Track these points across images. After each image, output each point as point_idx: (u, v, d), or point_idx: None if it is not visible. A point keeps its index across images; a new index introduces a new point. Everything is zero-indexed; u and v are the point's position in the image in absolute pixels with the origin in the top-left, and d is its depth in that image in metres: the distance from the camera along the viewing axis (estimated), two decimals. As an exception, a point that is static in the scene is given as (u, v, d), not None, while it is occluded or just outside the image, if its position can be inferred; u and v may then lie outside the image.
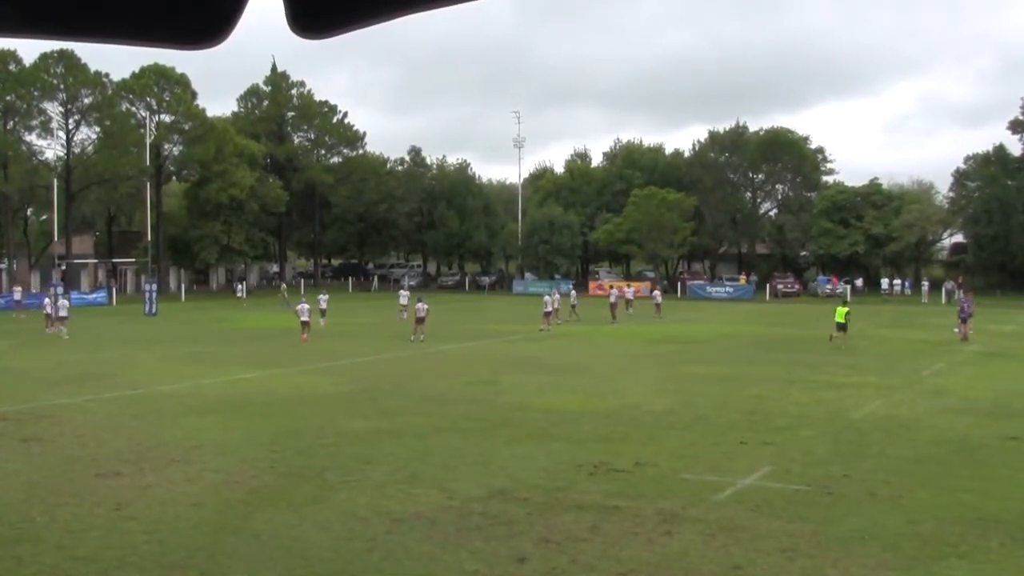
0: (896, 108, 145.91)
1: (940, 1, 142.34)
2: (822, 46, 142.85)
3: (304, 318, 30.40)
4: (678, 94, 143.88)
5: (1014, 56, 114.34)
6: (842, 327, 28.81)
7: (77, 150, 62.38)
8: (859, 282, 66.77)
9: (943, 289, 58.00)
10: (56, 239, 56.90)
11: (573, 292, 44.85)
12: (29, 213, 68.68)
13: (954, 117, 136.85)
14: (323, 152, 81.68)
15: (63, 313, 33.93)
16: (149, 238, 57.35)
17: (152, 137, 61.05)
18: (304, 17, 1.68)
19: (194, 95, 66.24)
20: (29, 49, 62.30)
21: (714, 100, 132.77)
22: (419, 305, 32.21)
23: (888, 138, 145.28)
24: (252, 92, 78.51)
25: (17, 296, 46.70)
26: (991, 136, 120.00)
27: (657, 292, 48.08)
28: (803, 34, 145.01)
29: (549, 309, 36.15)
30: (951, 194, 68.50)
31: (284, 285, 60.07)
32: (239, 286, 60.07)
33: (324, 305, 38.32)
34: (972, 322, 30.36)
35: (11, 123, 58.96)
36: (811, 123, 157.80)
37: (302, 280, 76.99)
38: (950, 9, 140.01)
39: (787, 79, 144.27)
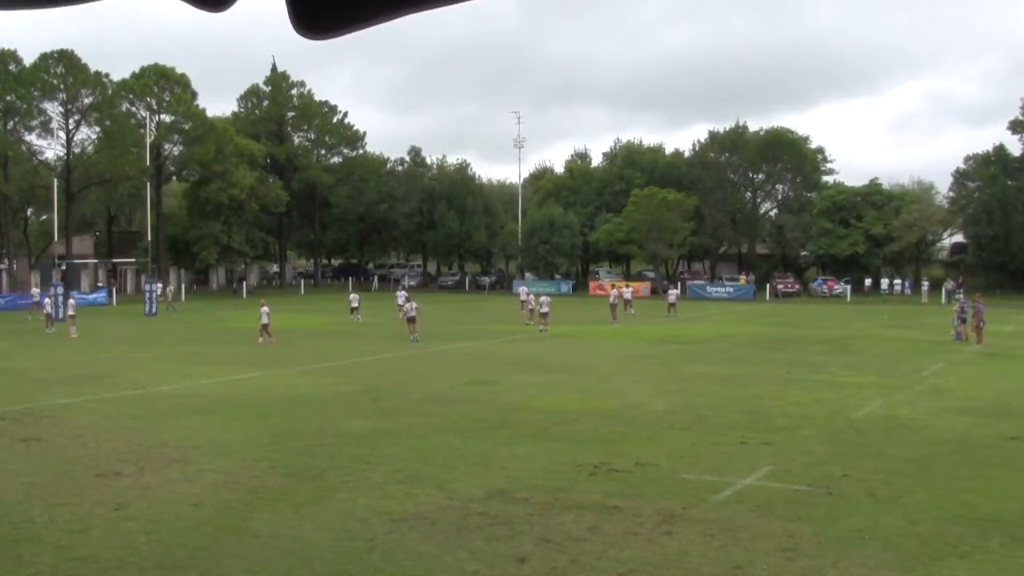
0: (901, 107, 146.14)
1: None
2: (827, 45, 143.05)
3: (264, 320, 30.22)
4: (682, 93, 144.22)
5: (1023, 55, 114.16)
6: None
7: (77, 150, 62.34)
8: (868, 282, 66.83)
9: (943, 289, 58.00)
10: (56, 239, 56.91)
11: (546, 298, 37.70)
12: (29, 213, 68.69)
13: (960, 116, 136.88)
14: (323, 152, 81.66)
15: (71, 312, 34.81)
16: (149, 238, 57.37)
17: (152, 137, 61.06)
18: (307, 17, 1.67)
19: (194, 95, 66.24)
20: (29, 49, 62.39)
21: (718, 99, 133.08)
22: (409, 304, 32.34)
23: (892, 137, 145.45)
24: (252, 92, 78.50)
25: (36, 297, 46.69)
26: (998, 136, 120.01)
27: (673, 292, 48.01)
28: (808, 32, 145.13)
29: (546, 310, 36.01)
30: (951, 194, 68.52)
31: (170, 287, 52.43)
32: (155, 287, 50.29)
33: (356, 304, 40.61)
34: (985, 328, 30.27)
35: (11, 123, 58.90)
36: (815, 122, 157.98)
37: (302, 280, 77.04)
38: (959, 7, 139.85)
39: (792, 78, 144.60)
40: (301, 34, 1.69)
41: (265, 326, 30.16)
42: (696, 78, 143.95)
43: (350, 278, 77.63)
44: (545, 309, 36.03)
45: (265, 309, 30.63)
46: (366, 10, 1.67)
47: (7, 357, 26.63)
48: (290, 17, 1.67)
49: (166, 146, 66.57)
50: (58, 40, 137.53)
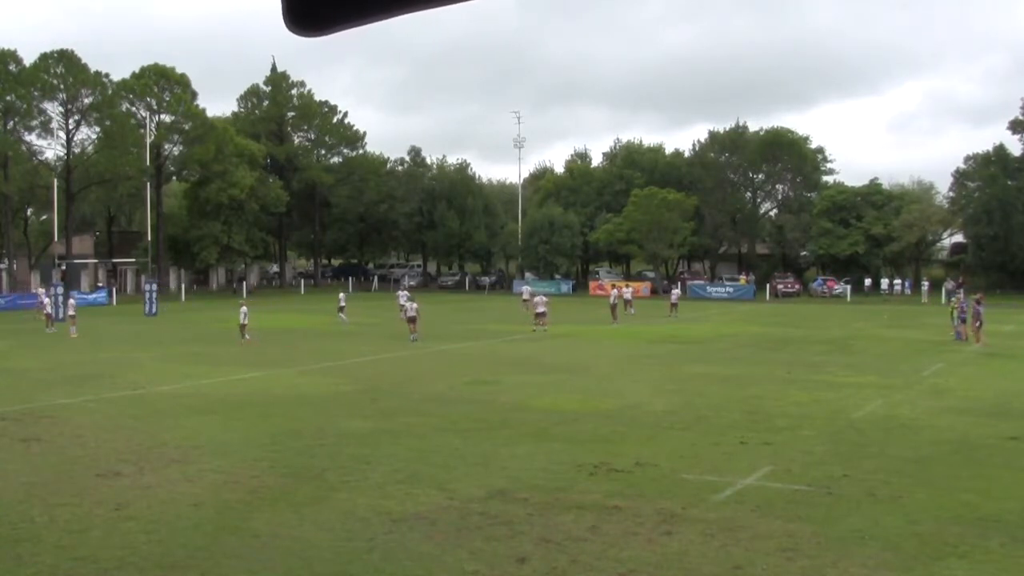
0: (901, 107, 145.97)
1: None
2: (827, 45, 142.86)
3: (243, 321, 30.23)
4: (682, 93, 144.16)
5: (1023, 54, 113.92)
6: None
7: (77, 150, 62.35)
8: (868, 282, 66.91)
9: (943, 289, 58.00)
10: (56, 239, 56.91)
11: (542, 298, 37.84)
12: (29, 213, 68.68)
13: (961, 116, 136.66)
14: (323, 152, 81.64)
15: (71, 312, 34.83)
16: (149, 238, 57.37)
17: (152, 137, 61.08)
18: (300, 14, 1.66)
19: (194, 95, 66.26)
20: (29, 49, 62.41)
21: (718, 99, 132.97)
22: (410, 304, 32.46)
23: (893, 137, 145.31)
24: (252, 92, 78.49)
25: (42, 296, 46.48)
26: (998, 136, 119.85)
27: (675, 292, 48.06)
28: (808, 32, 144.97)
29: (541, 309, 35.95)
30: (951, 194, 68.52)
31: (151, 286, 49.15)
32: (154, 287, 47.60)
33: (343, 303, 40.53)
34: (984, 328, 30.09)
35: (11, 123, 58.91)
36: (815, 122, 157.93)
37: (303, 280, 77.02)
38: (959, 7, 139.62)
39: (792, 78, 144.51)
40: (293, 31, 1.67)
41: (244, 326, 30.16)
42: (696, 78, 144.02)
43: (350, 278, 77.67)
44: (541, 309, 35.92)
45: (244, 309, 30.73)
46: (360, 8, 1.66)
47: (7, 357, 26.62)
48: (283, 13, 1.66)
49: (166, 146, 66.57)
50: (58, 40, 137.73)
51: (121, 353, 27.47)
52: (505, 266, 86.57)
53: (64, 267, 55.42)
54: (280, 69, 77.82)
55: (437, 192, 79.77)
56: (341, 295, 42.54)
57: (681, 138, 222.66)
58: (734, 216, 74.54)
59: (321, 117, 79.37)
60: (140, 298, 51.18)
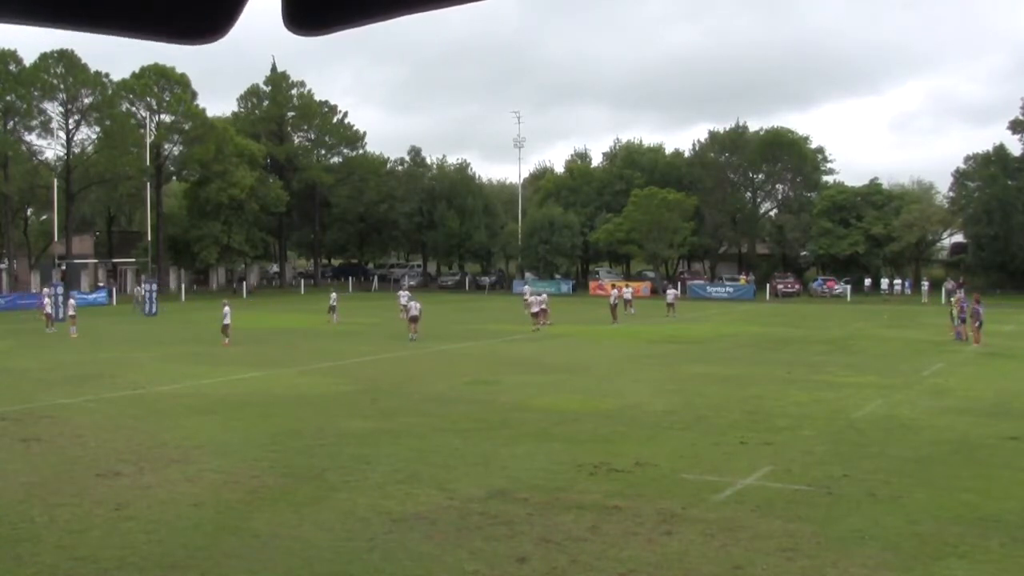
0: (903, 106, 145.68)
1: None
2: (828, 44, 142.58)
3: (226, 321, 30.12)
4: (682, 93, 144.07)
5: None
6: None
7: (77, 150, 62.33)
8: (868, 282, 66.94)
9: (943, 289, 57.98)
10: (56, 239, 56.90)
11: (539, 297, 38.32)
12: (29, 213, 68.66)
13: (962, 116, 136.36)
14: (323, 152, 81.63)
15: (71, 312, 34.80)
16: (149, 238, 57.36)
17: (152, 137, 61.10)
18: (300, 15, 1.66)
19: (194, 95, 66.26)
20: (29, 49, 62.36)
21: (718, 99, 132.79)
22: (412, 303, 32.56)
23: (894, 137, 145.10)
24: (252, 92, 78.48)
25: (44, 296, 46.30)
26: (999, 136, 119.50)
27: (673, 292, 48.00)
28: (809, 32, 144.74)
29: (536, 309, 35.95)
30: (951, 194, 68.52)
31: (139, 288, 50.28)
32: (152, 287, 47.79)
33: (334, 303, 40.37)
34: (982, 328, 30.00)
35: (11, 123, 58.89)
36: (816, 122, 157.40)
37: (302, 280, 77.04)
38: (961, 6, 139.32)
39: (792, 78, 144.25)
40: (293, 31, 1.67)
41: (226, 327, 29.97)
42: (696, 78, 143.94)
43: (350, 278, 77.64)
44: (535, 308, 35.86)
45: (227, 310, 30.46)
46: (361, 8, 1.66)
47: (7, 357, 26.62)
48: (283, 13, 1.66)
49: (166, 146, 66.57)
50: (58, 40, 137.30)
51: (121, 353, 27.46)
52: (505, 266, 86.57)
53: (64, 267, 55.38)
54: (280, 69, 77.85)
55: (437, 192, 79.71)
56: (333, 295, 42.52)
57: (681, 138, 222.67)
58: (734, 216, 74.53)
59: (321, 117, 79.37)
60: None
